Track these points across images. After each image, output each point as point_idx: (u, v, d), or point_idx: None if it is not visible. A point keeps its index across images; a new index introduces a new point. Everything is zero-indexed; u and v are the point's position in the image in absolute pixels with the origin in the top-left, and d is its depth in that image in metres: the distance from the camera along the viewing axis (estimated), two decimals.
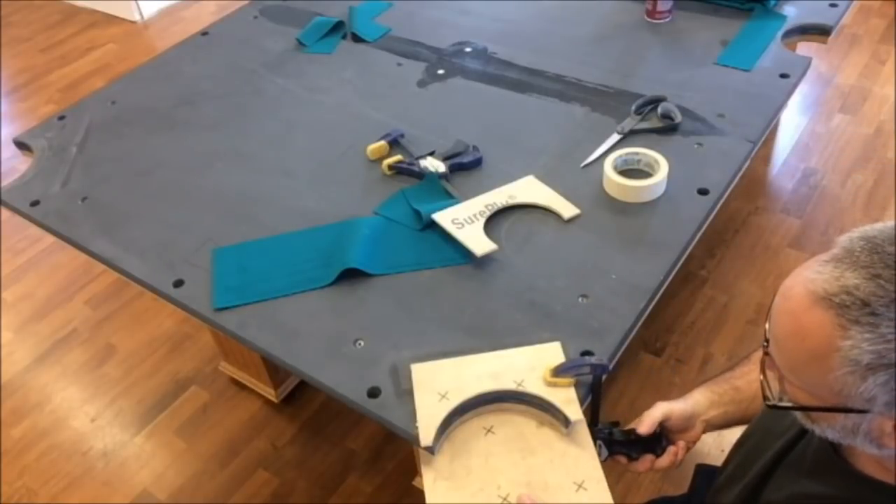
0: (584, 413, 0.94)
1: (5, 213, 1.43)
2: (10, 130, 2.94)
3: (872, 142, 2.44)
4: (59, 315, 2.18)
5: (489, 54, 1.63)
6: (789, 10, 1.65)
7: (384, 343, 1.05)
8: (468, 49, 1.65)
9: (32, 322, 2.17)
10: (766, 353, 0.73)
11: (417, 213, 1.22)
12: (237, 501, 1.71)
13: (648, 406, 1.02)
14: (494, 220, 1.21)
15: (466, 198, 1.24)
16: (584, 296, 1.08)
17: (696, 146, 1.32)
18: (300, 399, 1.89)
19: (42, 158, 1.47)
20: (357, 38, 1.72)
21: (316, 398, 1.88)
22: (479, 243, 1.15)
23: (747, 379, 1.00)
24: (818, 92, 2.67)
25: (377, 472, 1.73)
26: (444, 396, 0.95)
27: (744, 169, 1.30)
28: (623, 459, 0.99)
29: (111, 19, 3.61)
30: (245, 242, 1.23)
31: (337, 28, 1.76)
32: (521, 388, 0.95)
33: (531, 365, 0.98)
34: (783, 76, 1.46)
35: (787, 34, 1.59)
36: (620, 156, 1.27)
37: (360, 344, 1.05)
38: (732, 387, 1.01)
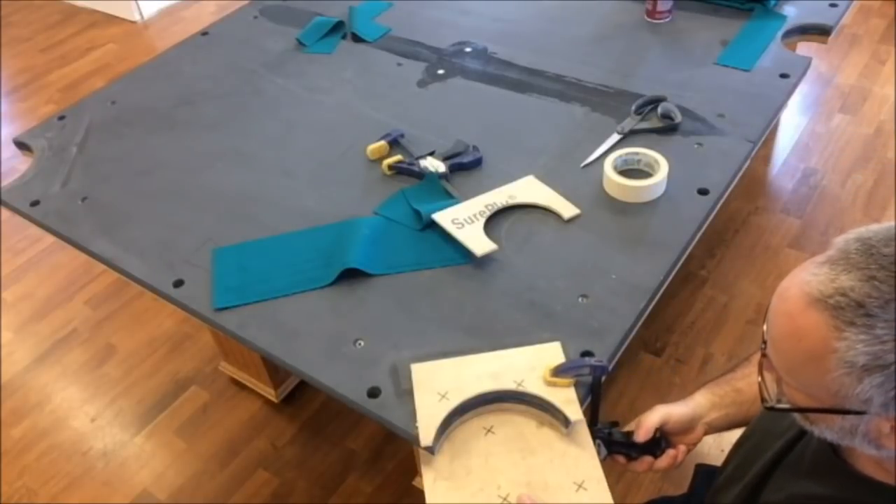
0: (584, 413, 0.94)
1: (5, 213, 1.43)
2: (10, 130, 2.94)
3: (872, 142, 2.44)
4: (59, 315, 2.18)
5: (489, 54, 1.63)
6: (789, 10, 1.65)
7: (384, 343, 1.05)
8: (468, 49, 1.66)
9: (32, 322, 2.17)
10: (763, 355, 0.73)
11: (417, 213, 1.22)
12: (237, 501, 1.71)
13: (648, 406, 1.01)
14: (494, 220, 1.21)
15: (466, 198, 1.24)
16: (584, 296, 1.08)
17: (696, 146, 1.32)
18: (300, 399, 1.89)
19: (42, 158, 1.47)
20: (357, 38, 1.72)
21: (316, 398, 1.88)
22: (479, 243, 1.15)
23: (748, 381, 1.00)
24: (818, 92, 2.67)
25: (377, 472, 1.73)
26: (444, 396, 0.95)
27: (744, 169, 1.30)
28: (622, 459, 1.00)
29: (111, 19, 3.61)
30: (245, 242, 1.23)
31: (337, 28, 1.76)
32: (521, 388, 0.95)
33: (531, 365, 0.98)
34: (783, 76, 1.46)
35: (787, 34, 1.59)
36: (620, 156, 1.27)
37: (360, 344, 1.05)
38: (733, 388, 1.01)
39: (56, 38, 3.51)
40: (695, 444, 1.02)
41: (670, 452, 0.99)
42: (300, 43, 1.73)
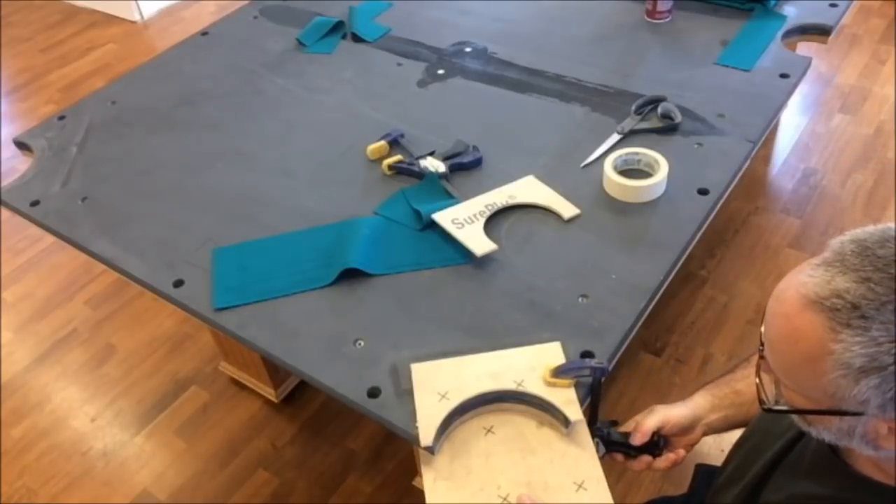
0: (584, 413, 0.94)
1: (5, 213, 1.43)
2: (10, 130, 2.94)
3: (872, 142, 2.44)
4: (59, 315, 2.18)
5: (489, 54, 1.63)
6: (789, 10, 1.65)
7: (384, 343, 1.05)
8: (468, 49, 1.66)
9: (32, 322, 2.17)
10: (761, 357, 0.73)
11: (417, 213, 1.22)
12: (237, 501, 1.71)
13: (648, 406, 1.02)
14: (494, 220, 1.21)
15: (466, 198, 1.24)
16: (584, 296, 1.08)
17: (696, 146, 1.32)
18: (300, 399, 1.89)
19: (42, 158, 1.47)
20: (357, 38, 1.72)
21: (316, 398, 1.88)
22: (479, 243, 1.15)
23: (747, 382, 1.00)
24: (818, 92, 2.67)
25: (377, 472, 1.73)
26: (444, 396, 0.95)
27: (744, 169, 1.30)
28: (620, 457, 1.00)
29: (111, 19, 3.61)
30: (245, 242, 1.23)
31: (337, 28, 1.76)
32: (521, 388, 0.95)
33: (531, 365, 0.98)
34: (783, 76, 1.46)
35: (787, 34, 1.59)
36: (620, 156, 1.27)
37: (360, 344, 1.05)
38: (733, 390, 1.01)
39: (56, 38, 3.51)
40: (693, 445, 1.02)
41: (669, 457, 1.00)
42: (300, 43, 1.73)
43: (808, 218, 2.22)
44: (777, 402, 0.72)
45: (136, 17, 3.55)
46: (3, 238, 2.44)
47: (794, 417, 0.73)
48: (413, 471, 1.64)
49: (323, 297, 1.13)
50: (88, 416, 1.92)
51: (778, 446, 0.85)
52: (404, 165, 1.33)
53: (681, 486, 1.24)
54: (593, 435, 0.94)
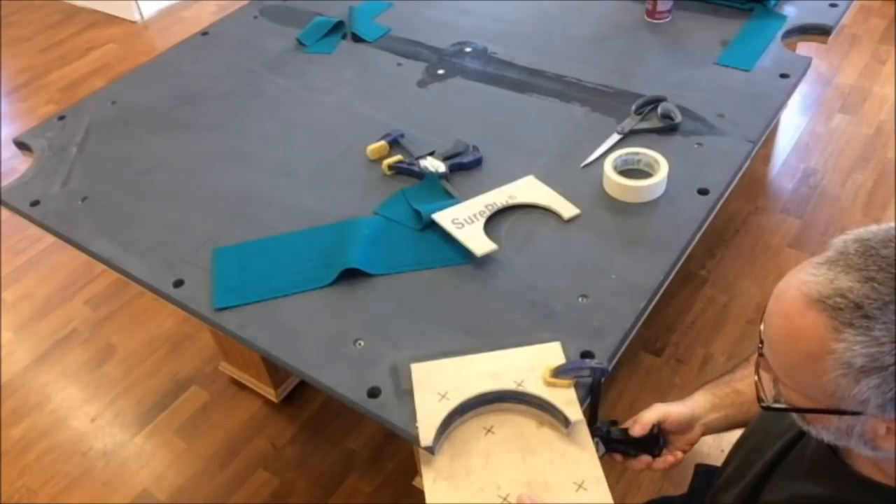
0: (584, 413, 0.94)
1: (5, 213, 1.43)
2: (10, 130, 2.94)
3: (872, 142, 2.44)
4: (59, 315, 2.18)
5: (489, 54, 1.63)
6: (789, 10, 1.65)
7: (384, 343, 1.05)
8: (468, 49, 1.66)
9: (32, 322, 2.17)
10: (760, 355, 0.73)
11: (417, 213, 1.22)
12: (237, 501, 1.71)
13: (648, 406, 1.02)
14: (494, 220, 1.21)
15: (466, 198, 1.24)
16: (584, 296, 1.08)
17: (696, 146, 1.32)
18: (300, 399, 1.89)
19: (42, 158, 1.47)
20: (357, 38, 1.73)
21: (316, 398, 1.88)
22: (479, 243, 1.15)
23: (748, 381, 1.00)
24: (818, 92, 2.67)
25: (377, 472, 1.73)
26: (444, 396, 0.95)
27: (744, 169, 1.30)
28: (619, 457, 1.00)
29: (111, 19, 3.61)
30: (245, 242, 1.23)
31: (337, 28, 1.76)
32: (521, 388, 0.95)
33: (531, 365, 0.98)
34: (783, 76, 1.46)
35: (787, 34, 1.59)
36: (620, 156, 1.27)
37: (360, 344, 1.05)
38: (733, 390, 1.01)
39: (56, 38, 3.51)
40: (692, 445, 1.02)
41: (668, 459, 1.00)
42: (300, 43, 1.73)
43: (808, 218, 2.22)
44: (776, 401, 0.72)
45: (136, 17, 3.55)
46: (3, 238, 2.44)
47: (794, 416, 0.73)
48: (413, 471, 1.64)
49: (323, 297, 1.13)
50: (88, 416, 1.92)
51: (778, 446, 0.85)
52: (404, 165, 1.33)
53: (681, 486, 1.24)
54: (593, 434, 0.94)
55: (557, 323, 1.05)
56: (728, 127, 1.35)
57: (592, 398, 0.97)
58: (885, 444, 0.65)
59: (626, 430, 0.99)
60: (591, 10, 1.75)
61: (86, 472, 1.80)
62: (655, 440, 0.99)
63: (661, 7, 1.65)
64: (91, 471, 1.80)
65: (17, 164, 2.67)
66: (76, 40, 3.47)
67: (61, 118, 1.57)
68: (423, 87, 1.56)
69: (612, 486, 0.88)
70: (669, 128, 1.36)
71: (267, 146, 1.45)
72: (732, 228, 2.21)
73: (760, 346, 0.72)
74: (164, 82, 1.66)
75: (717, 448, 1.62)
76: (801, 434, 0.82)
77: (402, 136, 1.40)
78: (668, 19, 1.67)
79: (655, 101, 1.41)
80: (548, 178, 1.28)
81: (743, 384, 1.01)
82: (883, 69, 2.73)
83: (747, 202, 2.28)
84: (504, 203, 1.23)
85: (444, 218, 1.20)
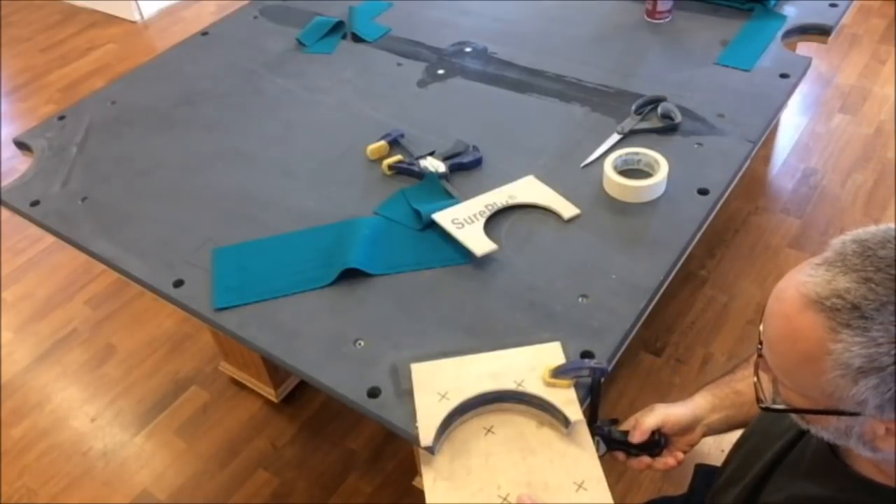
0: (584, 414, 0.94)
1: (5, 213, 1.43)
2: (10, 130, 2.94)
3: (872, 142, 2.44)
4: (59, 315, 2.18)
5: (489, 54, 1.63)
6: (789, 10, 1.65)
7: (384, 343, 1.05)
8: (468, 49, 1.66)
9: (32, 322, 2.17)
10: (759, 356, 0.73)
11: (417, 213, 1.22)
12: (237, 501, 1.71)
13: (648, 406, 1.02)
14: (494, 220, 1.21)
15: (466, 198, 1.24)
16: (584, 296, 1.08)
17: (696, 146, 1.32)
18: (300, 399, 1.89)
19: (42, 158, 1.47)
20: (357, 38, 1.72)
21: (316, 398, 1.88)
22: (479, 243, 1.15)
23: (748, 382, 1.00)
24: (818, 92, 2.67)
25: (377, 472, 1.73)
26: (444, 396, 0.95)
27: (744, 169, 1.30)
28: (621, 456, 1.00)
29: (111, 19, 3.61)
30: (245, 242, 1.23)
31: (337, 28, 1.76)
32: (521, 388, 0.95)
33: (531, 365, 0.98)
34: (783, 76, 1.46)
35: (787, 34, 1.59)
36: (620, 156, 1.27)
37: (360, 344, 1.05)
38: (733, 390, 1.01)
39: (56, 38, 3.51)
40: (693, 446, 1.02)
41: (668, 461, 0.99)
42: (300, 43, 1.73)
43: (808, 218, 2.22)
44: (775, 401, 0.72)
45: (136, 17, 3.55)
46: (3, 238, 2.44)
47: (793, 416, 0.73)
48: (413, 471, 1.64)
49: (323, 297, 1.13)
50: (88, 416, 1.92)
51: (778, 447, 0.85)
52: (404, 165, 1.33)
53: (681, 486, 1.24)
54: (594, 434, 0.94)
55: (557, 323, 1.05)
56: (728, 127, 1.35)
57: (592, 398, 0.97)
58: (885, 445, 0.65)
59: (626, 433, 0.99)
60: (591, 10, 1.75)
61: (86, 472, 1.80)
62: (656, 442, 0.99)
63: (661, 7, 1.65)
64: (91, 471, 1.80)
65: (17, 164, 2.67)
66: (76, 40, 3.47)
67: (61, 118, 1.57)
68: (423, 87, 1.56)
69: (612, 486, 0.88)
70: (669, 128, 1.36)
71: (267, 146, 1.45)
72: (732, 228, 2.21)
73: (760, 346, 0.72)
74: (164, 82, 1.66)
75: (717, 448, 1.62)
76: (801, 434, 0.82)
77: (402, 136, 1.40)
78: (668, 19, 1.67)
79: (655, 101, 1.41)
80: (548, 178, 1.28)
81: (743, 385, 1.01)
82: (883, 69, 2.73)
83: (747, 202, 2.28)
84: (504, 203, 1.23)
85: (444, 218, 1.20)
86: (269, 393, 1.87)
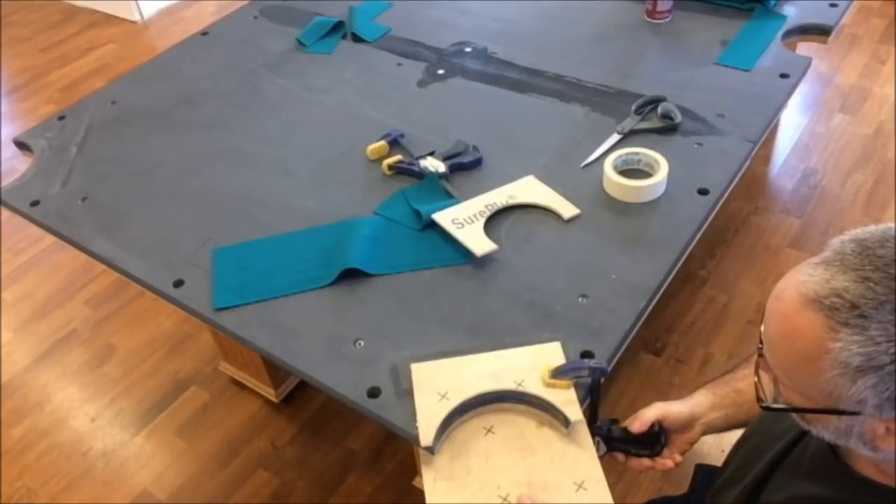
0: (583, 414, 0.94)
1: (5, 213, 1.43)
2: (10, 130, 2.94)
3: (872, 142, 2.44)
4: (59, 315, 2.18)
5: (489, 54, 1.63)
6: (789, 10, 1.65)
7: (384, 343, 1.05)
8: (468, 49, 1.66)
9: (32, 322, 2.17)
10: (760, 355, 0.73)
11: (417, 213, 1.22)
12: (237, 501, 1.71)
13: (648, 405, 1.02)
14: (494, 220, 1.21)
15: (466, 198, 1.24)
16: (584, 296, 1.08)
17: (696, 146, 1.32)
18: (300, 399, 1.89)
19: (42, 158, 1.47)
20: (357, 38, 1.73)
21: (316, 398, 1.88)
22: (479, 243, 1.15)
23: (748, 381, 1.00)
24: (818, 92, 2.67)
25: (377, 472, 1.73)
26: (444, 396, 0.95)
27: (744, 169, 1.30)
28: (621, 456, 1.00)
29: (111, 19, 3.61)
30: (245, 242, 1.23)
31: (337, 28, 1.76)
32: (521, 388, 0.95)
33: (531, 365, 0.98)
34: (783, 76, 1.46)
35: (787, 34, 1.59)
36: (620, 156, 1.27)
37: (360, 344, 1.05)
38: (734, 389, 1.01)
39: (56, 38, 3.51)
40: (692, 444, 1.02)
41: (667, 462, 0.99)
42: (300, 43, 1.73)
43: (808, 218, 2.22)
44: (775, 401, 0.72)
45: (136, 17, 3.55)
46: (3, 238, 2.44)
47: (794, 416, 0.73)
48: (413, 471, 1.64)
49: (323, 297, 1.13)
50: (88, 416, 1.92)
51: (778, 447, 0.85)
52: (404, 165, 1.33)
53: (681, 486, 1.24)
54: (594, 434, 0.94)
55: (557, 323, 1.05)
56: (728, 127, 1.35)
57: (592, 398, 0.97)
58: (885, 445, 0.65)
59: (626, 429, 0.99)
60: (591, 10, 1.75)
61: (86, 472, 1.80)
62: (656, 438, 0.99)
63: (661, 7, 1.65)
64: (91, 471, 1.80)
65: (17, 164, 2.67)
66: (76, 40, 3.47)
67: (61, 118, 1.57)
68: (423, 87, 1.56)
69: (612, 486, 0.88)
70: (669, 128, 1.36)
71: (267, 146, 1.45)
72: (732, 228, 2.21)
73: (760, 346, 0.72)
74: (164, 82, 1.66)
75: (717, 448, 1.62)
76: (802, 434, 0.82)
77: (402, 136, 1.40)
78: (668, 19, 1.67)
79: (655, 101, 1.41)
80: (548, 178, 1.28)
81: (743, 384, 1.01)
82: (883, 69, 2.73)
83: (747, 202, 2.28)
84: (504, 203, 1.23)
85: (444, 218, 1.20)
86: (269, 393, 1.87)
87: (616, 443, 0.98)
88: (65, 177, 1.41)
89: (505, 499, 0.88)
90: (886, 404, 0.61)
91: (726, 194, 1.26)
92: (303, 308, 1.11)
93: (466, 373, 0.98)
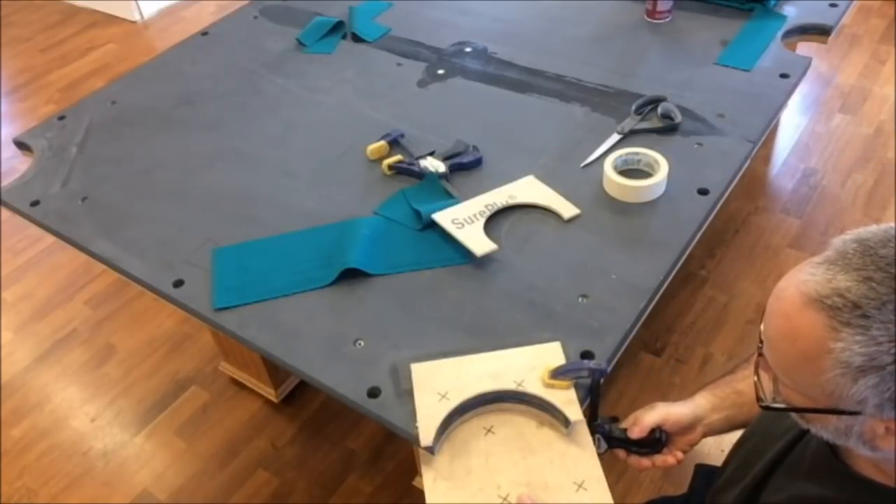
0: (583, 414, 0.94)
1: (5, 213, 1.43)
2: (10, 130, 2.94)
3: (872, 142, 2.44)
4: (59, 315, 2.18)
5: (489, 54, 1.63)
6: (789, 10, 1.65)
7: (384, 343, 1.05)
8: (468, 49, 1.66)
9: (32, 322, 2.17)
10: (760, 355, 0.73)
11: (417, 213, 1.22)
12: (237, 501, 1.71)
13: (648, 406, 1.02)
14: (494, 220, 1.21)
15: (466, 198, 1.24)
16: (584, 296, 1.08)
17: (696, 146, 1.32)
18: (300, 399, 1.89)
19: (42, 158, 1.47)
20: (357, 38, 1.73)
21: (316, 398, 1.88)
22: (479, 243, 1.15)
23: (748, 382, 1.00)
24: (818, 92, 2.67)
25: (377, 472, 1.73)
26: (444, 396, 0.95)
27: (744, 169, 1.30)
28: (622, 454, 1.00)
29: (111, 19, 3.61)
30: (245, 242, 1.23)
31: (337, 28, 1.76)
32: (521, 388, 0.95)
33: (531, 365, 0.98)
34: (783, 76, 1.46)
35: (787, 34, 1.59)
36: (620, 156, 1.27)
37: (360, 344, 1.05)
38: (734, 390, 1.01)
39: (56, 38, 3.51)
40: (693, 446, 1.02)
41: (668, 459, 0.99)
42: (300, 43, 1.73)
43: (808, 218, 2.22)
44: (775, 400, 0.72)
45: (136, 17, 3.55)
46: (3, 238, 2.44)
47: (793, 415, 0.73)
48: (413, 471, 1.64)
49: (323, 297, 1.13)
50: (88, 416, 1.92)
51: (778, 447, 0.85)
52: (404, 165, 1.33)
53: (681, 486, 1.24)
54: (594, 432, 0.94)
55: (557, 323, 1.05)
56: (728, 127, 1.35)
57: (592, 399, 0.97)
58: (884, 444, 0.65)
59: (626, 431, 0.99)
60: (591, 10, 1.75)
61: (86, 472, 1.80)
62: (658, 440, 0.99)
63: (661, 7, 1.65)
64: (91, 471, 1.80)
65: (17, 164, 2.67)
66: (76, 40, 3.47)
67: (61, 118, 1.57)
68: (423, 87, 1.56)
69: (612, 486, 0.88)
70: (669, 128, 1.36)
71: (267, 146, 1.45)
72: (732, 228, 2.21)
73: (760, 345, 0.72)
74: (164, 82, 1.66)
75: (717, 448, 1.62)
76: (802, 435, 0.82)
77: (402, 136, 1.40)
78: (668, 19, 1.67)
79: (655, 101, 1.41)
80: (548, 178, 1.28)
81: (744, 384, 1.01)
82: (883, 69, 2.73)
83: (747, 202, 2.28)
84: (504, 203, 1.23)
85: (444, 218, 1.20)
86: (269, 393, 1.87)
87: (617, 441, 0.98)
88: (65, 177, 1.41)
89: (505, 499, 0.88)
90: (887, 404, 0.61)
91: (726, 194, 1.26)
92: (303, 308, 1.11)
93: (466, 373, 0.98)
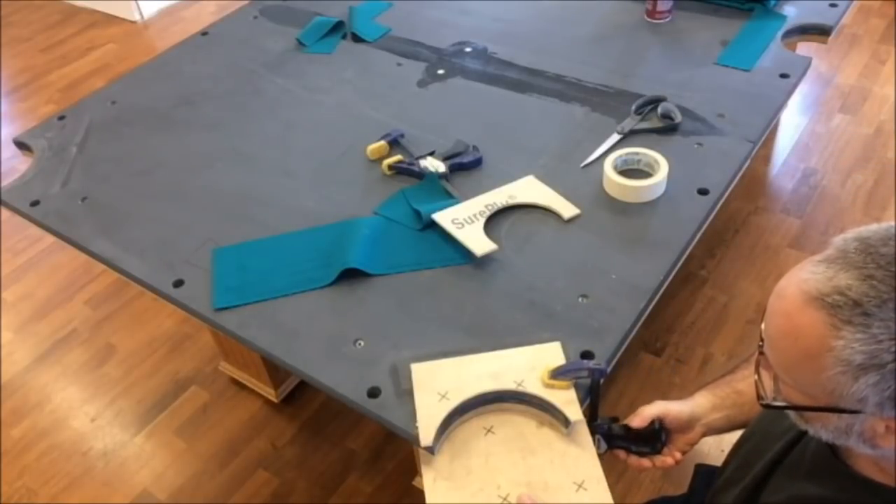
0: (583, 414, 0.94)
1: (5, 213, 1.43)
2: (10, 130, 2.94)
3: (872, 142, 2.44)
4: (59, 315, 2.18)
5: (489, 54, 1.63)
6: (789, 10, 1.65)
7: (384, 343, 1.05)
8: (468, 49, 1.66)
9: (32, 322, 2.17)
10: (761, 353, 0.73)
11: (417, 213, 1.22)
12: (237, 501, 1.71)
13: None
14: (494, 220, 1.21)
15: (466, 198, 1.25)
16: (584, 296, 1.08)
17: (696, 146, 1.32)
18: (300, 399, 1.89)
19: (42, 158, 1.47)
20: (357, 38, 1.73)
21: (316, 398, 1.88)
22: (479, 243, 1.15)
23: (748, 382, 1.00)
24: (818, 92, 2.67)
25: (377, 472, 1.73)
26: (444, 396, 0.95)
27: (744, 169, 1.30)
28: (622, 454, 1.00)
29: (111, 19, 3.61)
30: (245, 242, 1.23)
31: (337, 28, 1.76)
32: (521, 388, 0.95)
33: (531, 365, 0.98)
34: (783, 76, 1.46)
35: (787, 34, 1.59)
36: (620, 156, 1.27)
37: (360, 344, 1.05)
38: (734, 390, 1.01)
39: (56, 38, 3.51)
40: (692, 445, 1.01)
41: (667, 460, 0.99)
42: (300, 43, 1.73)
43: (808, 218, 2.22)
44: (775, 399, 0.72)
45: (136, 17, 3.55)
46: (3, 238, 2.44)
47: (792, 415, 0.73)
48: (413, 471, 1.64)
49: (323, 297, 1.13)
50: (88, 416, 1.92)
51: (778, 447, 0.85)
52: (404, 165, 1.33)
53: (681, 486, 1.24)
54: (594, 432, 0.94)
55: (557, 323, 1.05)
56: (728, 127, 1.35)
57: (592, 399, 0.97)
58: (885, 443, 0.65)
59: (626, 426, 0.99)
60: (591, 10, 1.75)
61: (86, 472, 1.80)
62: (657, 436, 0.99)
63: (661, 7, 1.65)
64: (91, 471, 1.80)
65: (17, 164, 2.67)
66: (76, 40, 3.47)
67: (61, 118, 1.57)
68: (423, 87, 1.56)
69: (612, 486, 0.88)
70: (669, 128, 1.36)
71: (267, 146, 1.45)
72: (732, 228, 2.21)
73: (761, 344, 0.72)
74: (164, 82, 1.66)
75: (717, 448, 1.62)
76: (802, 435, 0.82)
77: (402, 136, 1.40)
78: (668, 19, 1.67)
79: (655, 101, 1.41)
80: (548, 178, 1.28)
81: (744, 384, 1.01)
82: (883, 69, 2.73)
83: (747, 202, 2.28)
84: (504, 203, 1.23)
85: (444, 218, 1.20)
86: (269, 393, 1.87)
87: (617, 441, 0.98)
88: (65, 177, 1.41)
89: (505, 499, 0.88)
90: (887, 402, 0.61)
91: (726, 194, 1.26)
92: (303, 308, 1.11)
93: (466, 373, 0.98)
